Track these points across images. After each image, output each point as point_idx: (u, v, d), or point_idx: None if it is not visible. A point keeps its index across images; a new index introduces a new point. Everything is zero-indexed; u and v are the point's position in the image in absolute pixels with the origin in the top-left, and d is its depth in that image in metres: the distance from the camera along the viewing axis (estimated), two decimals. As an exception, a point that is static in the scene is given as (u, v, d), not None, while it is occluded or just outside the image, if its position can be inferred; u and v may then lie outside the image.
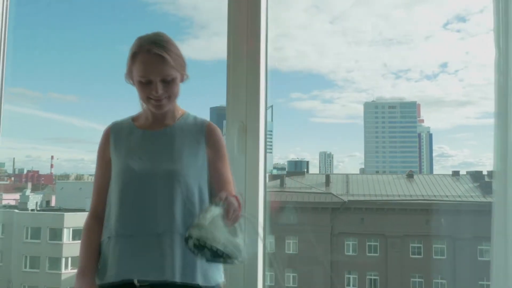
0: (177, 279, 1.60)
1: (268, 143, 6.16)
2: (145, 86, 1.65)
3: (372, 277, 5.62)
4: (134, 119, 1.84)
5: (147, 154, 1.74)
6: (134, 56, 1.65)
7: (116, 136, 1.81)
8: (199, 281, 1.64)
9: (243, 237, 1.50)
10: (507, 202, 2.10)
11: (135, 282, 1.64)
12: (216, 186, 1.80)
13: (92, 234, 1.76)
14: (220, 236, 1.40)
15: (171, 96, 1.68)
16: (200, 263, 1.66)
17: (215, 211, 1.40)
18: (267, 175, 2.39)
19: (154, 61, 1.63)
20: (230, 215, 1.44)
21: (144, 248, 1.66)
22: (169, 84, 1.66)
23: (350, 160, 6.68)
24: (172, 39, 1.67)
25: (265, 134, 2.38)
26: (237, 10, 2.40)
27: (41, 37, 5.08)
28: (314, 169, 6.83)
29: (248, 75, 2.34)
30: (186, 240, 1.36)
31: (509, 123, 2.11)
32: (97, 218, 1.77)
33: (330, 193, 6.34)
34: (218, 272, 1.73)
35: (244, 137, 2.28)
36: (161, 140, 1.76)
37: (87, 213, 1.87)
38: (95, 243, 1.74)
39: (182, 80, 1.71)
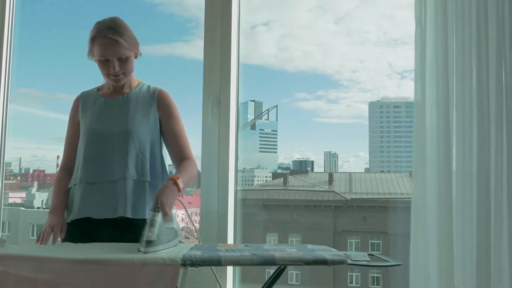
0: (129, 215, 2.19)
1: (273, 143, 6.74)
2: (104, 64, 2.25)
3: (375, 275, 5.66)
4: (99, 88, 2.46)
5: (107, 117, 2.34)
6: (93, 39, 2.24)
7: (83, 103, 2.41)
8: (147, 216, 2.21)
9: (175, 218, 2.07)
10: (426, 199, 2.44)
11: (92, 218, 2.22)
12: (169, 140, 2.38)
13: (62, 183, 2.36)
14: (164, 238, 1.92)
15: (125, 72, 2.30)
16: (149, 204, 2.25)
17: (158, 219, 1.93)
18: (237, 138, 2.93)
19: (110, 44, 2.21)
20: (166, 214, 1.97)
21: (101, 192, 2.25)
22: (124, 62, 2.27)
23: (355, 160, 6.86)
24: (125, 23, 2.22)
25: (237, 106, 2.92)
26: None
27: (48, 37, 5.52)
28: (319, 169, 7.06)
29: (222, 52, 2.88)
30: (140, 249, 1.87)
31: (426, 131, 2.46)
32: (66, 170, 2.38)
33: (333, 191, 6.52)
34: None
35: (218, 107, 2.82)
36: (118, 106, 2.35)
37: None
38: (64, 190, 2.33)
39: (136, 57, 2.30)
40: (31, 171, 7.36)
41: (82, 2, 5.04)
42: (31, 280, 1.75)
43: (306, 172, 7.01)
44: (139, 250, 1.84)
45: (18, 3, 3.37)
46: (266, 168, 6.88)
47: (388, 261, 1.89)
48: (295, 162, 7.20)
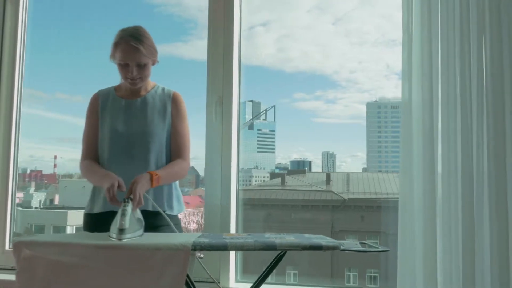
0: (150, 208, 2.41)
1: (271, 143, 6.95)
2: (124, 67, 2.47)
3: (372, 274, 5.72)
4: (116, 88, 2.67)
5: (128, 118, 2.55)
6: (116, 45, 2.46)
7: (103, 101, 2.62)
8: (166, 209, 2.43)
9: (138, 210, 2.23)
10: (413, 199, 2.62)
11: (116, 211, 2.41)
12: (171, 137, 2.60)
13: (93, 165, 2.52)
14: (133, 227, 2.10)
15: (142, 77, 2.52)
16: (167, 197, 2.48)
17: (129, 209, 2.09)
18: (239, 136, 3.11)
19: (131, 50, 2.43)
20: (135, 205, 2.16)
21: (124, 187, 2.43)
22: (142, 68, 2.49)
23: (352, 160, 6.98)
24: (147, 32, 2.43)
25: (238, 106, 3.09)
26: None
27: (49, 38, 5.68)
28: (317, 169, 7.13)
29: (224, 52, 3.04)
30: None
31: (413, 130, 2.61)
32: (89, 159, 2.55)
33: (331, 191, 6.69)
34: (179, 205, 2.55)
35: (221, 107, 3.00)
36: (137, 108, 2.56)
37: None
38: (98, 167, 2.49)
39: (153, 64, 2.52)
40: (28, 171, 7.49)
41: (82, 4, 5.17)
42: (56, 263, 1.99)
43: (304, 172, 7.14)
44: (110, 237, 2.05)
45: (30, 7, 3.53)
46: (264, 168, 7.04)
47: (377, 248, 2.13)
48: (293, 162, 7.34)
